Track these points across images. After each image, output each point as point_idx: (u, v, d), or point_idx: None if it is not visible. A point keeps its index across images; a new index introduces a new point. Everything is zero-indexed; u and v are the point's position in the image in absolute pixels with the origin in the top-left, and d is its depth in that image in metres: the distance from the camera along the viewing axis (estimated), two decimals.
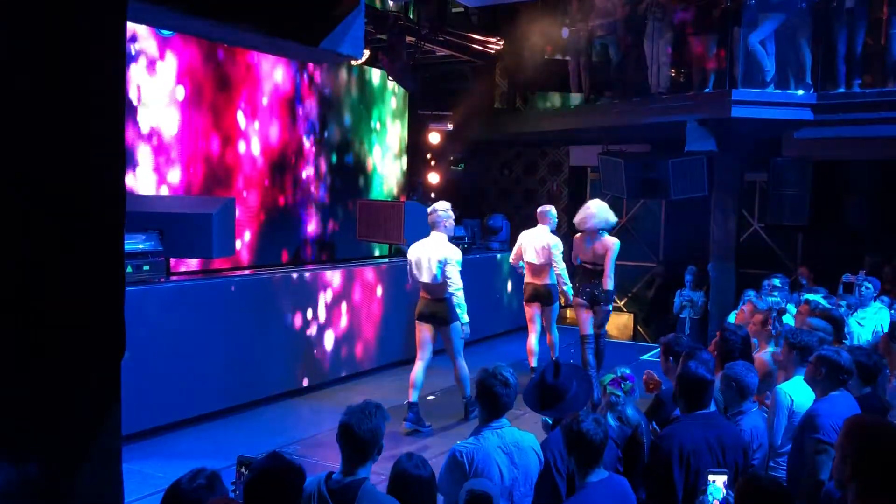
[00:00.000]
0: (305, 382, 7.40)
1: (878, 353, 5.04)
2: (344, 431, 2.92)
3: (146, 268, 5.94)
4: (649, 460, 3.62)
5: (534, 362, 7.85)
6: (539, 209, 7.97)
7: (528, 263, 7.80)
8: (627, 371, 4.06)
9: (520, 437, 3.37)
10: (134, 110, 7.23)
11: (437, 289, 6.37)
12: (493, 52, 11.25)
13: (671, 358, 4.35)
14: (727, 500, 3.03)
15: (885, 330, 6.73)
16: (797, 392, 4.22)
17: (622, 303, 12.75)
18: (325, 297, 7.66)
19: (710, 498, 3.02)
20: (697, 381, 3.60)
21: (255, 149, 8.61)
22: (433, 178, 11.20)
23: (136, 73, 7.23)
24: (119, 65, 1.77)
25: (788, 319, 6.10)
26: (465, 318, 6.37)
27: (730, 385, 3.95)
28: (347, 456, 2.92)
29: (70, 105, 1.66)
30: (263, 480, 2.64)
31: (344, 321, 7.89)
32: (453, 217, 6.63)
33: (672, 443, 3.45)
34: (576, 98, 10.50)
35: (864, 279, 7.10)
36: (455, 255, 6.38)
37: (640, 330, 12.44)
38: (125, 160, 1.85)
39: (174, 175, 7.68)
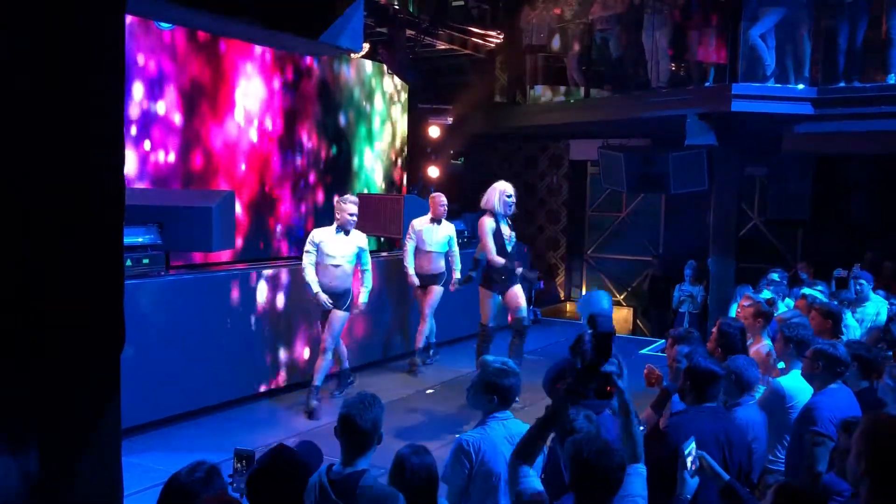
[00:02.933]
0: (304, 376, 7.40)
1: (877, 348, 5.06)
2: (344, 423, 2.92)
3: (145, 261, 5.94)
4: (656, 450, 3.60)
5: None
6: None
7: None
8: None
9: (524, 429, 3.39)
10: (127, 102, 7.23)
11: None
12: (493, 45, 11.23)
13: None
14: (696, 464, 3.09)
15: (879, 322, 6.76)
16: (796, 387, 4.24)
17: (621, 297, 12.77)
18: None
19: (690, 467, 3.07)
20: (708, 374, 3.61)
21: (252, 142, 8.60)
22: (433, 171, 11.20)
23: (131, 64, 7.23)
24: (119, 64, 1.76)
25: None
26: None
27: (730, 377, 3.96)
28: (347, 448, 2.93)
29: (70, 105, 1.66)
30: (267, 473, 2.65)
31: None
32: (346, 210, 6.65)
33: (681, 435, 3.43)
34: (575, 92, 10.49)
35: (858, 273, 7.11)
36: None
37: (640, 324, 12.46)
38: (124, 160, 1.86)
39: (168, 167, 7.68)
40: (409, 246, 7.91)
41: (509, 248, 6.87)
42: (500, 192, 6.86)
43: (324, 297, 6.53)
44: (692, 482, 3.07)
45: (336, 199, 6.91)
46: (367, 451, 2.94)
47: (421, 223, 7.92)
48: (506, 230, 6.88)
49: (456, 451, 3.34)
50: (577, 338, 3.20)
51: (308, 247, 6.62)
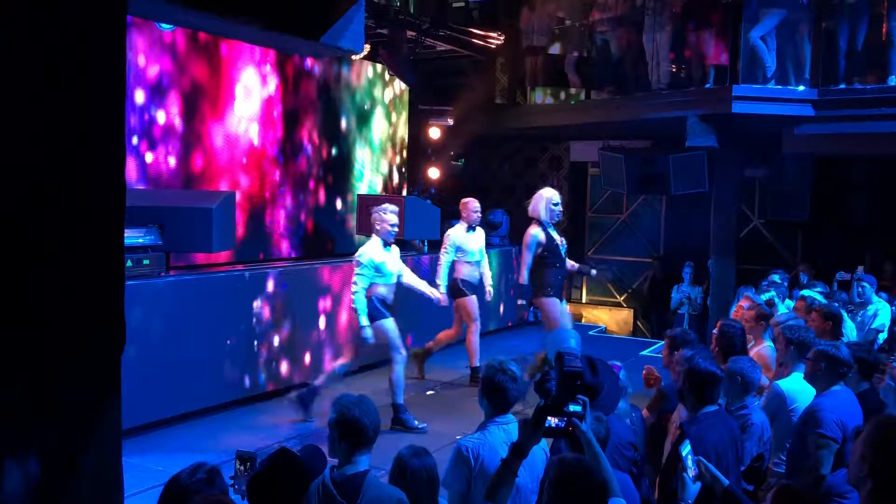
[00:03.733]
0: (306, 378, 7.39)
1: (877, 350, 5.06)
2: (339, 425, 2.93)
3: (146, 262, 5.94)
4: (670, 460, 3.55)
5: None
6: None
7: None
8: (617, 363, 4.08)
9: None
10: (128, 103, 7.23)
11: None
12: (493, 46, 11.23)
13: (676, 353, 4.37)
14: (696, 469, 3.06)
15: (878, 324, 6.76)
16: (797, 389, 4.24)
17: (622, 298, 12.76)
18: (323, 293, 7.66)
19: (690, 470, 3.04)
20: (708, 376, 3.56)
21: (253, 143, 8.60)
22: (433, 173, 11.19)
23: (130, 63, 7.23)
24: (120, 64, 1.76)
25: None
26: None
27: (734, 379, 3.95)
28: (346, 449, 2.94)
29: (70, 106, 1.66)
30: (268, 477, 2.65)
31: (344, 317, 7.89)
32: (387, 220, 6.27)
33: (706, 445, 3.36)
34: (576, 96, 10.49)
35: (861, 275, 7.11)
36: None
37: (640, 325, 12.45)
38: (125, 160, 1.85)
39: (167, 168, 7.67)
40: (446, 259, 7.43)
41: (563, 254, 6.84)
42: (547, 199, 6.79)
43: (369, 333, 6.16)
44: (693, 487, 3.05)
45: (374, 209, 6.38)
46: (366, 449, 2.95)
47: (460, 233, 7.50)
48: (556, 237, 6.83)
49: (455, 456, 3.32)
50: (543, 375, 3.16)
51: (364, 270, 6.08)
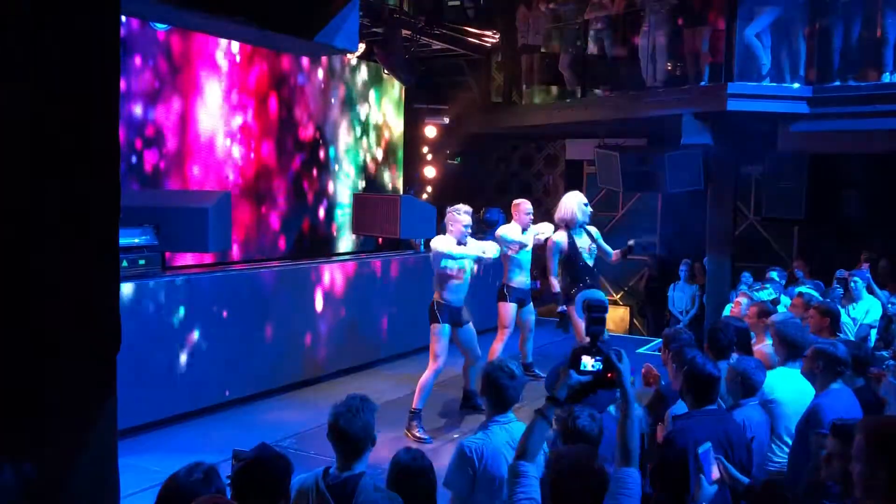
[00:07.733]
0: (302, 377, 7.40)
1: (870, 346, 5.08)
2: (334, 431, 2.90)
3: (141, 262, 5.94)
4: (663, 455, 3.59)
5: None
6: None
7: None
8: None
9: None
10: (126, 103, 7.22)
11: None
12: (489, 45, 11.23)
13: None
14: (714, 472, 3.04)
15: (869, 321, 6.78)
16: (779, 381, 4.28)
17: (618, 296, 12.78)
18: (320, 292, 7.66)
19: (710, 475, 3.02)
20: (706, 377, 3.59)
21: (249, 141, 8.59)
22: (429, 171, 11.20)
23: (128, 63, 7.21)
24: (114, 66, 1.76)
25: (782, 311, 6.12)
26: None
27: (735, 379, 3.96)
28: (342, 453, 2.91)
29: (66, 108, 1.65)
30: (250, 471, 2.64)
31: (340, 315, 7.89)
32: (460, 221, 6.14)
33: (687, 438, 3.41)
34: (573, 100, 10.49)
35: (856, 272, 7.12)
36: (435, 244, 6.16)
37: (636, 323, 12.47)
38: (120, 161, 1.85)
39: (166, 169, 7.66)
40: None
41: (591, 262, 6.78)
42: (577, 201, 6.78)
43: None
44: (710, 489, 3.02)
45: (448, 210, 6.29)
46: (362, 454, 2.91)
47: (515, 233, 7.05)
48: (583, 242, 6.77)
49: (458, 457, 3.28)
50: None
51: (447, 263, 6.08)
